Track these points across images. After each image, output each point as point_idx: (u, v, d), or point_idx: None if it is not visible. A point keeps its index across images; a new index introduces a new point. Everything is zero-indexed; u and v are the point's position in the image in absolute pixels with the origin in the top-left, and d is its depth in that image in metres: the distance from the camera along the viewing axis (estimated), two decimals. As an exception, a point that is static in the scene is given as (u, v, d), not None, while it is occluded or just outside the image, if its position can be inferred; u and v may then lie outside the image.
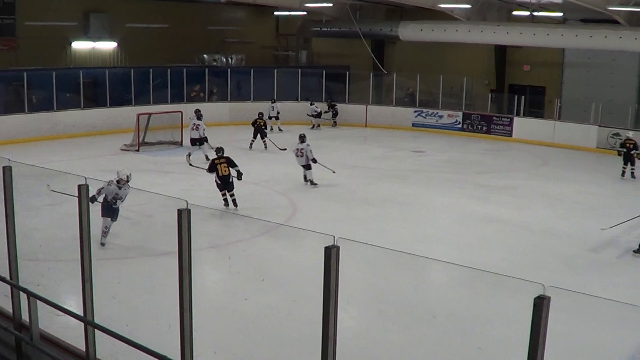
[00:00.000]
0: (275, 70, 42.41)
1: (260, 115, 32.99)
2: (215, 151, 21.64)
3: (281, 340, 11.95)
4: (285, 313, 13.16)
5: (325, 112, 40.40)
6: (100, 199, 16.07)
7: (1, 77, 33.68)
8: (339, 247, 6.38)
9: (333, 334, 6.58)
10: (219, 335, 11.72)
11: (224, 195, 20.61)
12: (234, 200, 20.53)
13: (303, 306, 13.06)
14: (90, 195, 14.46)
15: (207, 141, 28.53)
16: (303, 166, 24.91)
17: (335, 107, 40.78)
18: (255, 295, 13.87)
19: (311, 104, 39.94)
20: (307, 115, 39.68)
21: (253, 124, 32.39)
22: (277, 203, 22.11)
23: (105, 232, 16.22)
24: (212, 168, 20.85)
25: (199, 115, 29.51)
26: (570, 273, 15.75)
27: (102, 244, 15.97)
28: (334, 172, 25.54)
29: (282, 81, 41.82)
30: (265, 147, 31.81)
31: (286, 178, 25.41)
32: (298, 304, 13.37)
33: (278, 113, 37.63)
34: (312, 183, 24.70)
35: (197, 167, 23.33)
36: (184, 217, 7.24)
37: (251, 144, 32.01)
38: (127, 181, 16.35)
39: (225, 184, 20.61)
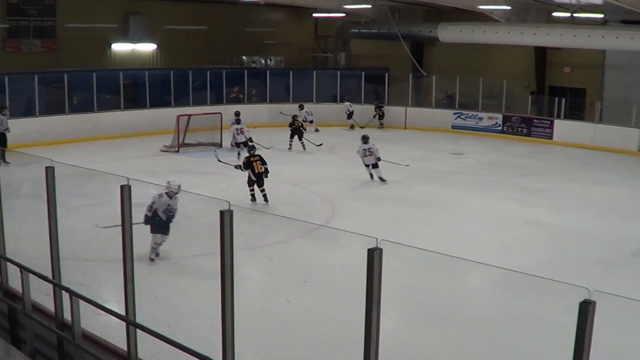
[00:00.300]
0: (314, 72, 42.32)
1: (296, 117, 33.01)
2: (248, 149, 22.68)
3: (322, 342, 11.91)
4: (325, 315, 13.13)
5: (374, 115, 40.23)
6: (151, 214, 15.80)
7: (42, 78, 33.84)
8: (382, 249, 6.35)
9: (375, 336, 6.55)
10: (260, 337, 11.70)
11: (252, 190, 21.44)
12: (264, 196, 21.26)
13: (344, 308, 13.00)
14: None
15: (251, 141, 28.66)
16: (372, 165, 25.45)
17: (382, 108, 40.49)
18: (295, 296, 13.85)
19: (343, 101, 40.51)
20: (346, 113, 39.90)
21: (290, 125, 32.40)
22: (316, 204, 22.09)
23: (155, 249, 15.87)
24: (247, 165, 21.57)
25: (238, 119, 29.75)
26: (611, 277, 15.56)
27: (152, 260, 15.68)
28: (407, 166, 27.18)
29: (321, 83, 41.76)
30: (304, 148, 31.82)
31: (325, 179, 25.39)
32: (339, 305, 13.33)
33: (311, 115, 37.75)
34: (382, 179, 25.29)
35: (226, 163, 23.33)
36: (226, 218, 7.24)
37: (290, 145, 32.03)
38: (177, 192, 16.11)
39: (258, 180, 21.38)
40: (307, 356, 11.46)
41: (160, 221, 15.87)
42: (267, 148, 30.33)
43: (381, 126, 40.10)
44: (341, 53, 47.96)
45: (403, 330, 12.49)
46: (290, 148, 31.93)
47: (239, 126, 29.34)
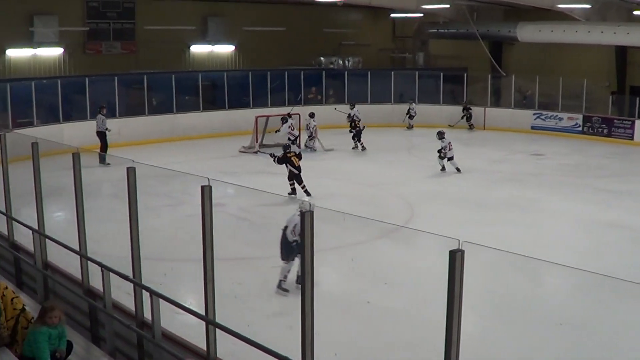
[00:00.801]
0: (392, 72, 42.20)
1: (352, 117, 32.85)
2: (284, 148, 23.25)
3: (402, 344, 11.84)
4: (406, 316, 13.04)
5: (462, 117, 39.74)
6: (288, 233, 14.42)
7: (122, 80, 34.33)
8: (464, 251, 6.25)
9: (456, 339, 6.45)
10: (339, 338, 11.65)
11: (292, 184, 22.22)
12: (306, 191, 21.98)
13: (424, 310, 12.92)
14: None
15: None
16: (448, 158, 26.77)
17: (470, 110, 40.05)
18: (376, 298, 13.79)
19: (409, 103, 40.04)
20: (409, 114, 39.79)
21: (353, 127, 32.29)
22: (394, 205, 21.99)
23: (284, 280, 14.38)
24: (282, 160, 22.45)
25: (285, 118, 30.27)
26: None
27: (285, 290, 14.31)
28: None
29: (399, 84, 41.61)
30: (362, 149, 31.87)
31: (403, 180, 25.27)
32: (419, 307, 13.23)
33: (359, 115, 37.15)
34: (458, 170, 26.69)
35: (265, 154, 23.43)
36: (307, 218, 7.21)
37: (363, 146, 31.93)
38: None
39: (297, 176, 22.12)
40: (387, 358, 11.38)
41: (287, 244, 14.49)
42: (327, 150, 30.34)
43: (471, 127, 39.71)
44: (419, 53, 47.74)
45: (485, 333, 12.33)
46: (364, 148, 31.82)
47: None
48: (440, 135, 27.56)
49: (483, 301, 13.05)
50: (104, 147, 28.10)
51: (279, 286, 14.32)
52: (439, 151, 27.30)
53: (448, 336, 6.45)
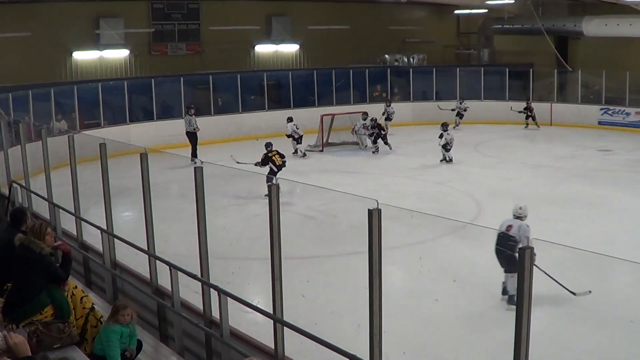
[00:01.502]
0: (458, 69, 41.97)
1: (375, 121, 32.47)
2: (266, 146, 23.19)
3: (471, 342, 11.75)
4: (475, 315, 12.94)
5: (519, 112, 37.68)
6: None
7: (187, 80, 34.64)
8: (532, 248, 6.16)
9: (526, 336, 6.36)
10: (408, 336, 11.60)
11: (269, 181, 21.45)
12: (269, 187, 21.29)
13: (493, 308, 12.80)
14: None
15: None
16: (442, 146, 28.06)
17: (530, 109, 38.16)
18: (443, 296, 13.69)
19: (461, 102, 38.76)
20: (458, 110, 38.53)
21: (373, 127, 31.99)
22: (461, 203, 21.84)
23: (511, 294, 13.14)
24: (266, 161, 22.27)
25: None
26: None
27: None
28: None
29: (465, 80, 41.35)
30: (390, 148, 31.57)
31: (470, 178, 25.10)
32: (488, 305, 13.11)
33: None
34: (449, 160, 27.74)
35: (245, 164, 23.09)
36: (374, 216, 7.14)
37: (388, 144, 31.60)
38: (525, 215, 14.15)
39: (276, 173, 21.68)
40: (456, 356, 11.29)
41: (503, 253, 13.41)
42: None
43: (536, 126, 38.16)
44: (484, 50, 47.35)
45: (554, 331, 12.18)
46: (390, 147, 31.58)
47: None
48: (445, 127, 28.29)
49: (553, 298, 12.90)
50: (194, 146, 28.33)
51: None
52: (445, 145, 28.22)
53: (517, 334, 6.36)
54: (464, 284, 14.37)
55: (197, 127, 28.72)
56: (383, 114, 34.19)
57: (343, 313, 12.57)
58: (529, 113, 37.95)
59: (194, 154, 27.78)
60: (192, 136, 28.67)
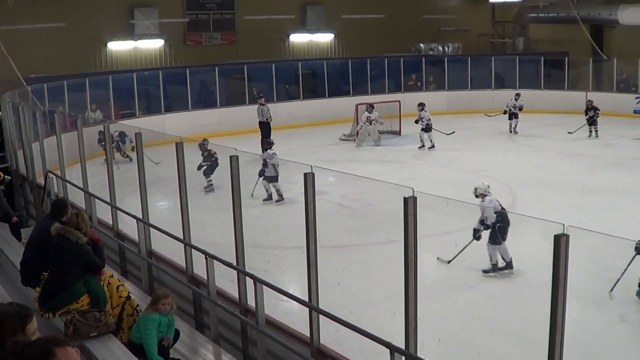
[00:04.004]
0: (493, 58, 41.70)
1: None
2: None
3: (506, 330, 11.69)
4: (510, 302, 12.89)
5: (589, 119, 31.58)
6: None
7: (222, 70, 34.69)
8: (568, 235, 6.11)
9: (561, 324, 6.33)
10: (443, 324, 11.56)
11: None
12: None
13: (528, 296, 12.73)
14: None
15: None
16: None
17: (597, 111, 31.60)
18: (479, 283, 13.63)
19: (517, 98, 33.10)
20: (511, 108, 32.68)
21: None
22: (496, 191, 21.67)
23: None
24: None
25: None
26: None
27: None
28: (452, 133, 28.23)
29: (500, 69, 41.12)
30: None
31: (505, 166, 24.95)
32: (523, 293, 13.04)
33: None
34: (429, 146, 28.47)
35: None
36: (410, 205, 7.12)
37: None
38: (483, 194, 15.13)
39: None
40: (492, 344, 11.24)
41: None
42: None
43: (595, 132, 31.51)
44: (519, 38, 47.03)
45: (589, 319, 12.08)
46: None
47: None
48: (422, 107, 28.67)
49: (588, 287, 12.80)
50: (268, 136, 28.17)
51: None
52: (425, 125, 28.62)
53: (553, 322, 6.35)
54: (500, 272, 14.31)
55: (269, 116, 28.47)
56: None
57: (378, 301, 12.54)
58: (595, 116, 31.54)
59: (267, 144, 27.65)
60: (264, 126, 28.47)
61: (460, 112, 36.99)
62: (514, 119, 32.39)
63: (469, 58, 41.30)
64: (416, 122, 28.73)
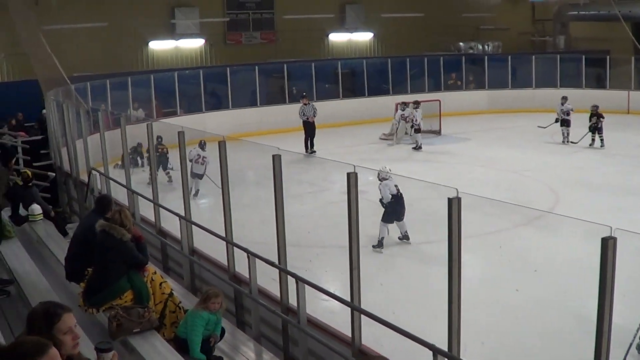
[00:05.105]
0: (533, 56, 41.40)
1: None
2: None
3: (552, 333, 11.60)
4: (555, 305, 12.77)
5: (591, 125, 28.87)
6: None
7: (262, 69, 34.82)
8: (616, 238, 6.09)
9: (607, 329, 6.30)
10: (486, 326, 11.49)
11: None
12: None
13: (573, 299, 12.64)
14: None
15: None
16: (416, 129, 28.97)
17: (601, 118, 28.81)
18: (523, 286, 13.54)
19: (563, 102, 30.06)
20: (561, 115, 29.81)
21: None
22: (537, 192, 21.60)
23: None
24: None
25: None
26: None
27: None
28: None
29: (540, 68, 40.83)
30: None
31: (546, 167, 24.79)
32: (568, 296, 12.95)
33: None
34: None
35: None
36: (454, 205, 7.12)
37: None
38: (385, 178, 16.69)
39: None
40: (536, 347, 11.16)
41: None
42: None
43: (601, 142, 28.69)
44: (560, 36, 46.73)
45: (635, 324, 11.99)
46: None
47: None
48: (416, 106, 29.37)
49: (633, 291, 12.71)
50: (308, 137, 28.35)
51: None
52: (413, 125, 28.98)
53: (599, 326, 6.31)
54: (542, 274, 14.22)
55: (311, 116, 28.61)
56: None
57: (421, 301, 12.52)
58: (597, 123, 28.99)
59: (307, 145, 27.88)
60: (306, 126, 28.62)
61: (500, 111, 36.83)
62: (565, 127, 29.58)
63: (509, 57, 41.04)
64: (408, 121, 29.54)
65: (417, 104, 29.61)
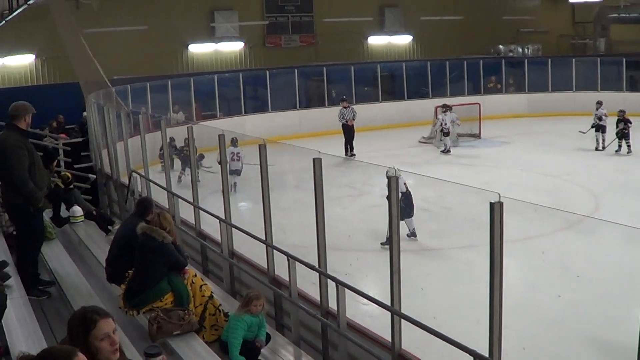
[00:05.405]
0: (573, 59, 41.10)
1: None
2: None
3: (595, 340, 11.49)
4: (598, 312, 12.64)
5: (618, 132, 27.94)
6: None
7: (302, 72, 34.96)
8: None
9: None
10: (528, 332, 11.38)
11: None
12: None
13: (617, 305, 12.50)
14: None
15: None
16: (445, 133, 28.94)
17: (629, 124, 27.95)
18: (566, 292, 13.42)
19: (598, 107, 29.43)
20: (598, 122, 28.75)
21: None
22: (578, 196, 21.45)
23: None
24: None
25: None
26: None
27: None
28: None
29: (581, 71, 40.52)
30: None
31: (587, 170, 24.63)
32: (611, 302, 12.83)
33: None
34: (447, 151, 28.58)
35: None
36: (496, 210, 7.05)
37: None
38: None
39: None
40: (579, 354, 11.07)
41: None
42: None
43: (628, 149, 27.84)
44: (600, 39, 46.35)
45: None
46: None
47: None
48: (445, 109, 29.31)
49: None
50: (347, 140, 28.48)
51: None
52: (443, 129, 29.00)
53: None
54: (585, 280, 14.07)
55: (350, 119, 28.74)
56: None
57: (461, 307, 12.45)
58: (625, 129, 28.00)
59: (347, 148, 28.00)
60: (346, 129, 28.73)
61: (540, 114, 36.58)
62: (599, 132, 28.60)
63: (549, 60, 40.79)
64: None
65: (445, 107, 29.59)
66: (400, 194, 15.89)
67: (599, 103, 29.46)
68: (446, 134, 28.90)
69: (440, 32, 42.09)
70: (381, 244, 15.69)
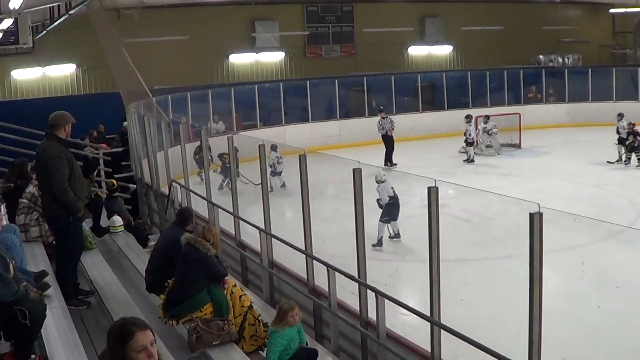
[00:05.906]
0: (614, 69, 40.80)
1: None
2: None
3: (633, 351, 11.40)
4: (636, 322, 12.54)
5: (628, 144, 27.56)
6: None
7: (342, 82, 35.01)
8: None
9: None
10: (568, 343, 11.31)
11: None
12: None
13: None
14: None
15: None
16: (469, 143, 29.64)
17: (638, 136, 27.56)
18: (606, 302, 13.33)
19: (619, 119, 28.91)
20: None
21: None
22: (618, 206, 21.29)
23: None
24: None
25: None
26: None
27: None
28: None
29: (621, 80, 40.21)
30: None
31: (627, 180, 24.45)
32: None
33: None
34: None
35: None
36: (535, 220, 7.04)
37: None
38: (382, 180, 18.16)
39: None
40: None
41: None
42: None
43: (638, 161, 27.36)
44: (640, 49, 46.09)
45: None
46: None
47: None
48: (469, 120, 29.86)
49: None
50: (390, 149, 28.59)
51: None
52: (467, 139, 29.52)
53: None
54: (625, 290, 13.96)
55: (389, 129, 28.81)
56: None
57: (501, 317, 12.40)
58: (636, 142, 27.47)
59: (387, 159, 28.03)
60: (386, 139, 28.79)
61: (581, 124, 36.34)
62: (621, 145, 27.79)
63: (590, 69, 40.51)
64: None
65: (469, 117, 29.61)
66: (388, 198, 17.55)
67: (620, 115, 29.02)
68: (470, 144, 28.97)
69: (481, 42, 42.01)
70: (372, 245, 16.30)
